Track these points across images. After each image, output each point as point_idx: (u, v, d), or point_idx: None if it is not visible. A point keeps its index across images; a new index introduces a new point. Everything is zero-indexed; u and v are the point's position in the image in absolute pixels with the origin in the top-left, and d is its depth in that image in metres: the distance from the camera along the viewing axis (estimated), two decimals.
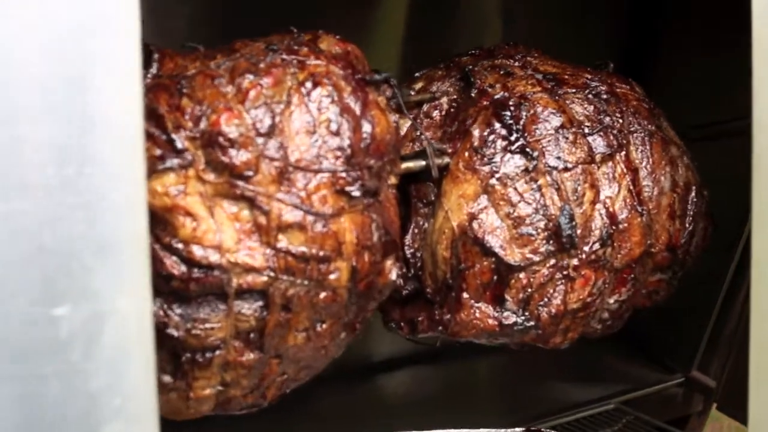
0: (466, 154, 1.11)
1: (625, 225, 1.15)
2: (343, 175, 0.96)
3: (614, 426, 1.44)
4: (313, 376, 1.07)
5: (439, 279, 1.12)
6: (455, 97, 1.17)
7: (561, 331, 1.17)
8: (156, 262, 0.89)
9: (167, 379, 0.96)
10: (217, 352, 0.94)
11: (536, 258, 1.10)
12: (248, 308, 0.94)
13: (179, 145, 0.90)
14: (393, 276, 1.04)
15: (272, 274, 0.93)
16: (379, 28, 1.43)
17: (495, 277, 1.10)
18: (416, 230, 1.14)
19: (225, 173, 0.91)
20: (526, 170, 1.10)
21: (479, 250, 1.09)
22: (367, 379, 1.45)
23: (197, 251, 0.89)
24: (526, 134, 1.11)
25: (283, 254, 0.93)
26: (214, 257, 0.90)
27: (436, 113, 1.17)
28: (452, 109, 1.16)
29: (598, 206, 1.13)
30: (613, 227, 1.14)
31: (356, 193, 0.97)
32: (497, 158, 1.10)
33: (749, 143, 0.94)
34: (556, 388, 1.51)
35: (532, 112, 1.13)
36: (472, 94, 1.15)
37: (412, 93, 1.17)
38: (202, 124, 0.91)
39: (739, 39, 1.42)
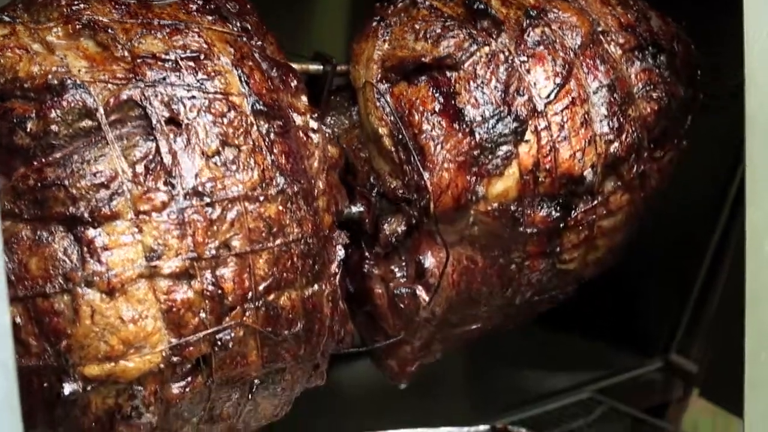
0: (357, 40, 1.04)
1: (549, 6, 1.03)
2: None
3: (589, 417, 1.35)
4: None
5: (392, 153, 0.99)
6: None
7: (565, 144, 1.00)
8: (7, 117, 0.78)
9: (76, 272, 0.78)
10: (120, 197, 0.79)
11: (457, 41, 0.99)
12: (129, 131, 0.81)
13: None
14: (312, 119, 0.93)
15: (140, 79, 0.82)
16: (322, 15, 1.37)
17: (437, 96, 0.98)
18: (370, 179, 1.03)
19: (54, 13, 0.85)
20: (414, 3, 1.03)
21: (404, 82, 0.99)
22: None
23: (40, 75, 0.80)
24: None
25: (141, 59, 0.83)
26: (66, 78, 0.80)
27: None
28: None
29: None
30: (534, 10, 1.03)
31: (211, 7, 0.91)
32: (384, 17, 1.04)
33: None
34: (526, 376, 1.42)
35: None
36: None
37: None
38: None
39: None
